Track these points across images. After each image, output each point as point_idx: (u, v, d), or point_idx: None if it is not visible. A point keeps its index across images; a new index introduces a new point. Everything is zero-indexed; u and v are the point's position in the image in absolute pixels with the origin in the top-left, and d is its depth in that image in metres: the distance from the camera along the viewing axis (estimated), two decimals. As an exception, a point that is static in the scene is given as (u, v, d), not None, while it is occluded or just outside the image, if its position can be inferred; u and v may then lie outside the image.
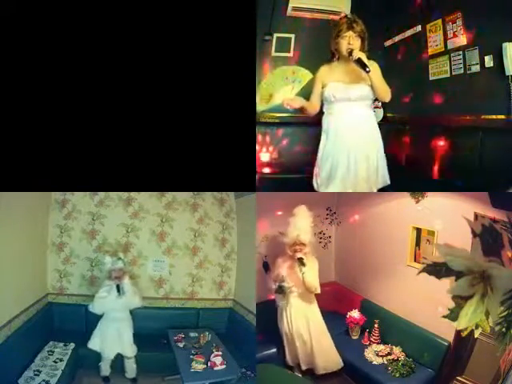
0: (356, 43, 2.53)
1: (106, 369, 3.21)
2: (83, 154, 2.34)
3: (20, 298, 3.13)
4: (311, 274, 3.01)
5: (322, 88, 2.69)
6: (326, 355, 3.10)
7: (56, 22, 2.28)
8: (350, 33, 2.53)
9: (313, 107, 2.75)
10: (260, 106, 2.97)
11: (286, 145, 3.73)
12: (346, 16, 2.63)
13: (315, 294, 3.12)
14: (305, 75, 2.73)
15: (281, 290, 3.03)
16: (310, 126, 3.34)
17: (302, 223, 3.04)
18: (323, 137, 2.72)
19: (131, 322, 3.34)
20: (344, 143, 2.62)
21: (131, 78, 2.35)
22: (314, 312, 3.14)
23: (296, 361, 3.10)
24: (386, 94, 2.63)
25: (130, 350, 3.25)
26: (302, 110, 2.81)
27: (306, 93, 2.87)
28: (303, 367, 3.08)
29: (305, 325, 3.07)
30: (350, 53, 2.51)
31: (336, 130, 2.65)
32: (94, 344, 3.17)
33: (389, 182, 2.74)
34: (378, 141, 2.71)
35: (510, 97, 2.37)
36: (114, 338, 3.18)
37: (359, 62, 2.47)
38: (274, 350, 3.18)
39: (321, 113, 2.77)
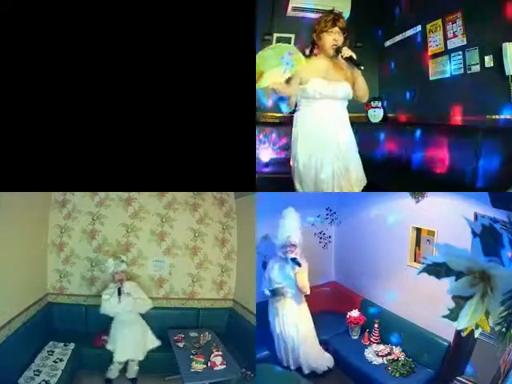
0: (340, 39, 2.47)
1: (114, 372, 3.22)
2: (83, 153, 2.34)
3: (20, 298, 3.13)
4: (303, 275, 3.02)
5: (301, 84, 2.53)
6: (310, 356, 3.11)
7: (56, 21, 2.28)
8: (336, 29, 2.45)
9: (291, 103, 2.63)
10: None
11: (286, 145, 3.74)
12: (331, 11, 2.52)
13: (309, 295, 3.15)
14: (299, 60, 2.45)
15: (274, 293, 3.04)
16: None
17: (291, 225, 3.05)
18: (300, 134, 2.58)
19: (144, 323, 3.36)
20: (327, 142, 2.54)
21: (131, 78, 2.35)
22: (304, 313, 3.15)
23: (287, 361, 3.09)
24: (366, 93, 2.59)
25: (139, 353, 3.25)
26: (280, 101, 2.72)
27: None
28: (292, 367, 3.07)
29: (294, 326, 3.07)
30: (337, 50, 2.44)
31: (319, 128, 2.55)
32: (110, 345, 3.21)
33: (366, 181, 2.67)
34: (354, 141, 2.65)
35: (510, 97, 2.37)
36: (125, 342, 3.20)
37: (351, 60, 2.43)
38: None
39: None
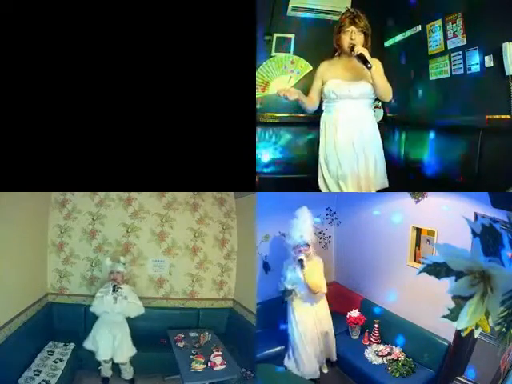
0: (358, 38, 2.45)
1: (106, 370, 3.20)
2: (83, 153, 2.34)
3: (20, 298, 3.13)
4: (314, 275, 3.01)
5: (322, 85, 2.60)
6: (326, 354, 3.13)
7: (56, 21, 2.28)
8: (353, 28, 2.44)
9: (311, 103, 2.65)
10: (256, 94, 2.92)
11: (286, 145, 3.73)
12: (348, 10, 2.53)
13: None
14: (304, 67, 2.62)
15: (287, 293, 3.04)
16: (310, 125, 3.34)
17: (304, 224, 3.04)
18: (322, 136, 2.64)
19: (126, 327, 3.31)
20: (346, 142, 2.54)
21: (131, 78, 2.35)
22: (322, 312, 3.15)
23: (299, 361, 3.08)
24: (387, 92, 2.55)
25: (120, 356, 3.22)
26: (299, 103, 2.70)
27: (303, 86, 2.76)
28: (308, 367, 3.07)
29: (313, 326, 3.07)
30: (352, 48, 2.42)
31: (336, 128, 2.56)
32: (88, 344, 3.18)
33: (387, 185, 2.68)
34: (378, 142, 2.64)
35: (510, 97, 2.37)
36: (106, 342, 3.17)
37: (361, 57, 2.38)
38: (275, 350, 3.19)
39: (319, 111, 2.70)
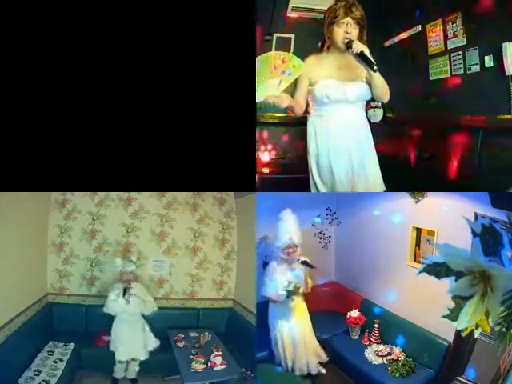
0: (354, 32, 2.11)
1: (119, 372, 3.21)
2: (83, 153, 2.34)
3: (20, 298, 3.13)
4: (309, 276, 3.08)
5: (310, 85, 2.27)
6: (310, 355, 3.11)
7: (56, 21, 2.28)
8: (348, 19, 2.08)
9: (299, 107, 2.32)
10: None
11: (286, 145, 3.73)
12: None
13: (309, 295, 3.17)
14: (298, 66, 2.15)
15: (292, 293, 3.00)
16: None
17: (290, 226, 3.03)
18: (312, 142, 2.36)
19: (144, 323, 3.33)
20: (342, 151, 2.30)
21: (131, 78, 2.35)
22: (306, 312, 3.17)
23: (286, 361, 3.07)
24: (386, 93, 2.27)
25: (142, 352, 3.24)
26: (288, 109, 2.40)
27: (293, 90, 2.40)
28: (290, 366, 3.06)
29: (300, 325, 3.08)
30: (349, 44, 2.09)
31: (329, 135, 2.29)
32: (113, 347, 3.19)
33: (385, 188, 2.51)
34: (373, 147, 2.40)
35: (510, 97, 2.37)
36: (126, 342, 3.19)
37: (362, 57, 2.06)
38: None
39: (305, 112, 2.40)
